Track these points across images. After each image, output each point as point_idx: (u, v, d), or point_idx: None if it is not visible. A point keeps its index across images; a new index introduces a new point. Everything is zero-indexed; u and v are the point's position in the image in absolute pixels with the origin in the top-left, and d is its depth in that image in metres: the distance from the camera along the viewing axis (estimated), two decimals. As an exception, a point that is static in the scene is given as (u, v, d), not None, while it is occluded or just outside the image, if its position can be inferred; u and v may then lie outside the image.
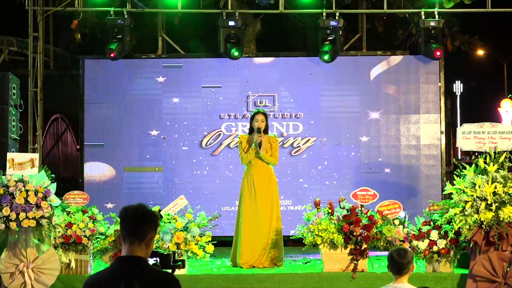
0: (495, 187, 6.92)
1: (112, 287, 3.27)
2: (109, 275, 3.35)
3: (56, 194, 7.20)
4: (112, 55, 10.01)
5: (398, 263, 4.79)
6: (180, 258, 5.60)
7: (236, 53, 9.97)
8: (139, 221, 3.35)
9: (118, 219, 5.89)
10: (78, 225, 7.42)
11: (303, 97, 10.39)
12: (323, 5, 10.15)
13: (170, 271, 3.55)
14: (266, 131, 8.13)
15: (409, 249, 5.30)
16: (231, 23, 9.97)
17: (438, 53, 9.93)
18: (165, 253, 3.71)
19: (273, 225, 7.99)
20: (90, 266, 7.63)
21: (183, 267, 5.34)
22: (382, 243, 7.36)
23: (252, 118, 8.14)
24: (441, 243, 7.27)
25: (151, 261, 3.79)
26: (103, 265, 7.80)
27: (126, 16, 10.02)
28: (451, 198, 7.19)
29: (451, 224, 7.21)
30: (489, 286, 6.90)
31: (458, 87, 26.25)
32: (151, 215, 3.39)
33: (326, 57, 10.02)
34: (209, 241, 7.51)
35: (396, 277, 4.81)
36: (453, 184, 7.17)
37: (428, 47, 9.96)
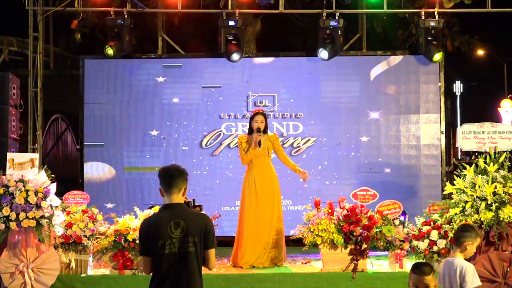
0: (495, 187, 6.93)
1: (164, 227, 4.27)
2: (160, 218, 4.36)
3: (56, 194, 7.20)
4: (110, 52, 10.00)
5: (454, 235, 5.37)
6: (197, 204, 6.58)
7: (236, 57, 9.98)
8: (176, 177, 4.40)
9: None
10: (78, 225, 7.43)
11: (303, 97, 10.38)
12: (323, 5, 10.15)
13: None
14: (265, 131, 8.16)
15: (474, 227, 5.63)
16: (231, 23, 9.97)
17: (437, 57, 9.94)
18: (186, 201, 4.72)
19: (274, 225, 7.99)
20: (90, 266, 7.63)
21: (201, 210, 6.48)
22: (382, 243, 7.37)
23: (252, 118, 8.17)
24: (441, 243, 7.27)
25: None
26: (103, 265, 7.81)
27: (126, 16, 10.02)
28: (451, 198, 7.19)
29: (451, 224, 7.21)
30: (489, 286, 6.89)
31: (458, 87, 26.23)
32: (183, 172, 4.45)
33: (324, 54, 9.96)
34: (209, 241, 7.50)
35: (453, 249, 5.32)
36: (453, 184, 7.17)
37: (428, 49, 9.95)
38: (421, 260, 7.09)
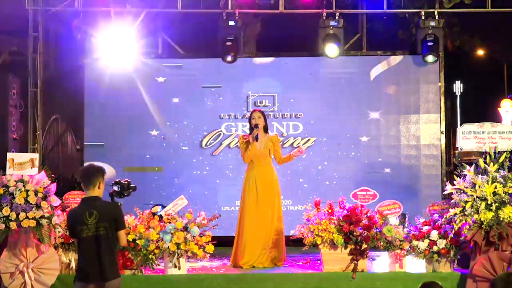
0: (495, 187, 6.92)
1: (81, 216, 5.34)
2: (79, 209, 5.46)
3: (56, 194, 7.20)
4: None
5: None
6: (132, 186, 7.00)
7: (229, 58, 9.98)
8: (90, 175, 5.41)
9: None
10: (78, 225, 7.41)
11: (303, 97, 10.38)
12: (323, 5, 10.15)
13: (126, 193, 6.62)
14: (266, 129, 8.16)
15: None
16: (231, 23, 9.97)
17: (430, 58, 9.96)
18: (122, 182, 6.07)
19: (274, 225, 8.00)
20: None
21: (135, 190, 7.05)
22: (382, 243, 7.36)
23: (250, 117, 8.20)
24: (441, 243, 7.27)
25: (114, 187, 6.69)
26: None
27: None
28: (451, 198, 7.18)
29: (451, 224, 7.21)
30: (488, 286, 6.89)
31: (458, 87, 26.17)
32: (97, 170, 5.46)
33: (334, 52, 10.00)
34: (209, 241, 7.51)
35: None
36: (453, 184, 7.17)
37: (424, 52, 9.98)
38: (426, 281, 6.83)
